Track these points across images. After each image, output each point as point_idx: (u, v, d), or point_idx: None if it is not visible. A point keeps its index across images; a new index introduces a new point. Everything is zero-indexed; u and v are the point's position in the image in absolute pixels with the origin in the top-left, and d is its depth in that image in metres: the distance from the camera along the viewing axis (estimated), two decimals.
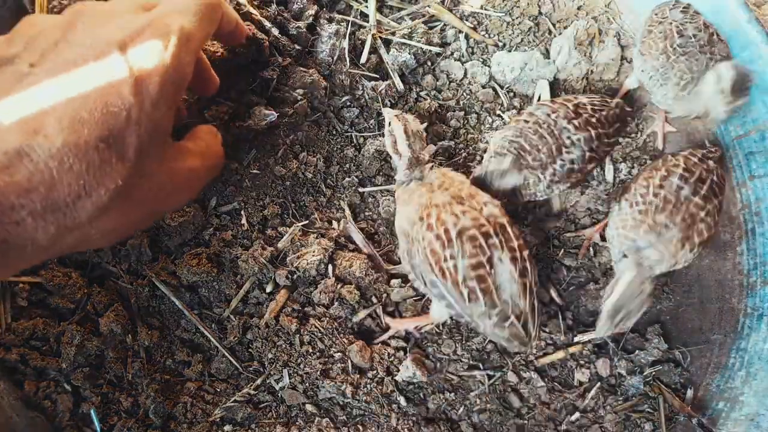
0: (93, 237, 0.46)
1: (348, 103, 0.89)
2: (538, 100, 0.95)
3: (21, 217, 0.40)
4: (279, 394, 0.78)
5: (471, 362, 0.81)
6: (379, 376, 0.78)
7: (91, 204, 0.42)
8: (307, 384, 0.77)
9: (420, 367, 0.77)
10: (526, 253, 0.69)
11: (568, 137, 0.78)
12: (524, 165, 0.77)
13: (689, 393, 0.83)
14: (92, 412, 0.72)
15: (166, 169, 0.50)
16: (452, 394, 0.79)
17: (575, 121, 0.79)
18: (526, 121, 0.80)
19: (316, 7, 0.93)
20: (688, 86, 0.80)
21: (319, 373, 0.77)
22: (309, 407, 0.77)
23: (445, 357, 0.80)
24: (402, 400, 0.77)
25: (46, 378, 0.74)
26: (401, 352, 0.79)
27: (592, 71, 0.97)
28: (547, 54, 0.98)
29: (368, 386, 0.77)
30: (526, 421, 0.80)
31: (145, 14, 0.49)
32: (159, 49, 0.45)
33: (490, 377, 0.80)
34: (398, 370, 0.78)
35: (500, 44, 0.99)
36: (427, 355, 0.80)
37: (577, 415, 0.80)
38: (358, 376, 0.77)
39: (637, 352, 0.83)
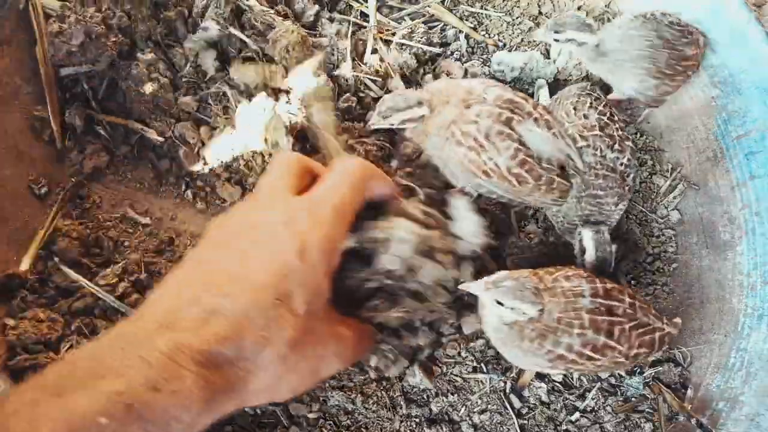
0: (274, 390, 0.53)
1: (353, 104, 0.89)
2: (537, 100, 0.95)
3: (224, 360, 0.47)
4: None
5: (474, 364, 0.81)
6: (387, 383, 0.78)
7: (271, 353, 0.49)
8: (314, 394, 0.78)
9: (428, 374, 0.77)
10: (540, 108, 0.73)
11: (621, 162, 0.78)
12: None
13: (689, 393, 0.83)
14: None
15: (327, 329, 0.56)
16: (454, 396, 0.79)
17: (617, 146, 0.79)
18: (585, 172, 0.78)
19: (317, 6, 0.93)
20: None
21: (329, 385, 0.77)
22: (312, 415, 0.77)
23: (450, 360, 0.80)
24: (406, 404, 0.78)
25: None
26: (421, 372, 0.79)
27: (590, 76, 0.97)
28: (547, 54, 0.98)
29: (377, 394, 0.78)
30: (526, 421, 0.80)
31: (302, 198, 0.58)
32: (316, 223, 0.54)
33: (492, 380, 0.80)
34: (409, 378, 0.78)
35: (500, 44, 0.99)
36: (434, 358, 0.80)
37: (577, 415, 0.80)
38: (374, 385, 0.78)
39: None
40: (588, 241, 0.78)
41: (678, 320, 0.75)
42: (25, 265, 0.77)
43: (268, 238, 0.53)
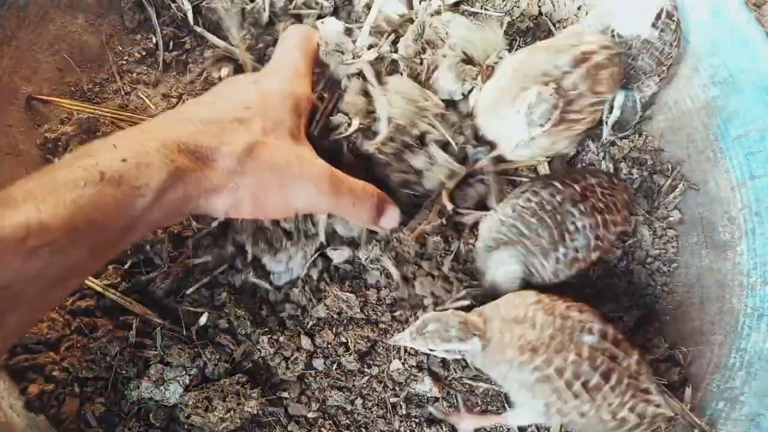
0: (232, 193, 0.60)
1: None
2: None
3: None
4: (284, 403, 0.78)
5: (476, 372, 0.80)
6: (391, 389, 0.78)
7: (228, 152, 0.59)
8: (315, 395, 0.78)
9: (437, 383, 0.77)
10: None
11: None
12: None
13: (688, 393, 0.83)
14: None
15: (291, 150, 0.66)
16: (456, 401, 0.79)
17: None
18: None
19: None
20: None
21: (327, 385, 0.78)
22: (312, 414, 0.77)
23: (454, 366, 0.80)
24: (406, 404, 0.78)
25: (52, 380, 0.74)
26: (416, 369, 0.79)
27: None
28: None
29: (377, 394, 0.78)
30: None
31: (267, 66, 0.77)
32: (278, 79, 0.71)
33: (494, 389, 0.80)
34: (410, 380, 0.78)
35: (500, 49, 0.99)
36: (444, 365, 0.80)
37: None
38: (374, 385, 0.78)
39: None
40: (619, 97, 0.84)
41: (678, 405, 0.74)
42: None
43: (241, 91, 0.68)
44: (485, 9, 1.00)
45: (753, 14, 0.83)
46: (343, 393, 0.78)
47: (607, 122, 0.88)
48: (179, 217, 0.68)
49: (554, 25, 1.00)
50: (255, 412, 0.73)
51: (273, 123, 0.65)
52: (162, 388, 0.73)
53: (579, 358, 0.65)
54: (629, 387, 0.66)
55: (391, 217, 0.75)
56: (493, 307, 0.72)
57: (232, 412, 0.72)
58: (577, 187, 0.74)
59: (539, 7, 1.01)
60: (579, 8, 1.01)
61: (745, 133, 0.85)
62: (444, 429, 0.77)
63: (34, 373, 0.73)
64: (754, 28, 0.82)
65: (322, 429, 0.76)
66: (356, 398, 0.78)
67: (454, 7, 0.99)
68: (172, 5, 0.93)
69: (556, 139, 0.78)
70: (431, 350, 0.68)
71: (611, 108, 0.86)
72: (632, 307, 0.86)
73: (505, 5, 1.01)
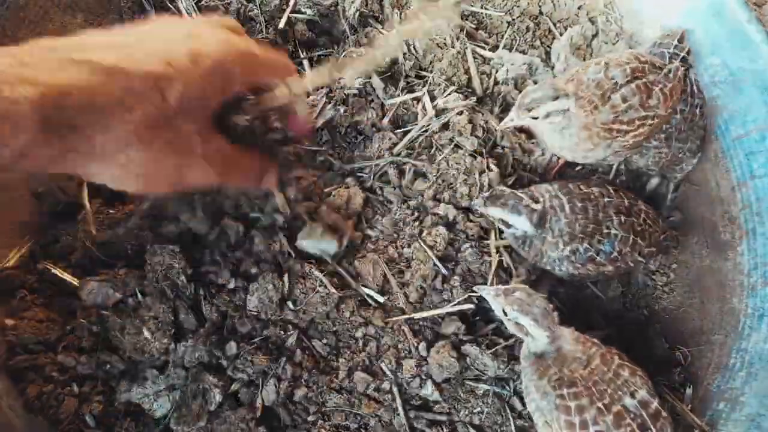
0: (120, 167, 0.52)
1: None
2: None
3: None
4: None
5: (477, 372, 0.80)
6: (393, 395, 0.78)
7: (124, 119, 0.49)
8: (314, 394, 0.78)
9: (438, 387, 0.77)
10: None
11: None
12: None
13: (689, 393, 0.83)
14: None
15: (198, 131, 0.57)
16: (456, 402, 0.79)
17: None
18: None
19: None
20: None
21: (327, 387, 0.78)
22: (311, 418, 0.77)
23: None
24: (405, 404, 0.78)
25: (50, 381, 0.74)
26: (422, 375, 0.79)
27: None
28: (548, 57, 0.98)
29: (377, 394, 0.78)
30: (526, 422, 0.79)
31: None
32: (218, 41, 0.57)
33: (495, 390, 0.80)
34: (411, 382, 0.78)
35: (501, 45, 0.99)
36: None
37: None
38: (374, 385, 0.78)
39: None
40: (655, 178, 0.89)
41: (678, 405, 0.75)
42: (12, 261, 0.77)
43: (171, 36, 0.56)
44: (485, 9, 1.00)
45: (753, 14, 0.83)
46: (344, 394, 0.78)
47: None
48: (55, 170, 0.55)
49: (554, 24, 1.00)
50: None
51: (193, 97, 0.55)
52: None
53: (605, 410, 0.63)
54: None
55: (269, 178, 0.71)
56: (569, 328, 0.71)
57: None
58: (626, 202, 0.78)
59: (539, 6, 1.01)
60: (579, 8, 1.01)
61: (745, 133, 0.85)
62: (444, 429, 0.77)
63: (34, 373, 0.73)
64: (754, 28, 0.82)
65: (323, 429, 0.76)
66: (356, 396, 0.78)
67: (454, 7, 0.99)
68: (171, 5, 0.93)
69: (604, 147, 0.79)
70: (504, 314, 0.69)
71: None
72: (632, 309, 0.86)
73: (505, 5, 1.01)
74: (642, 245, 0.78)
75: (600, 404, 0.64)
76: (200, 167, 0.60)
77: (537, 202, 0.75)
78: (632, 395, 0.65)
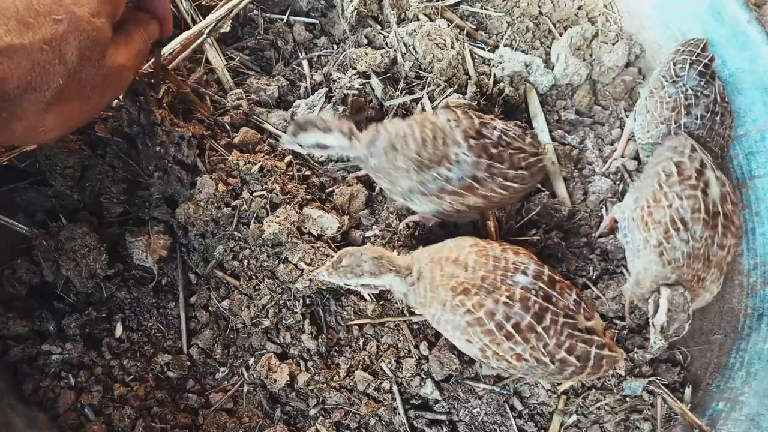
0: (39, 130, 0.53)
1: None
2: (525, 104, 0.96)
3: None
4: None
5: (476, 371, 0.81)
6: (393, 395, 0.78)
7: (36, 98, 0.49)
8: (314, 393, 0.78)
9: (438, 386, 0.78)
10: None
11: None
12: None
13: (688, 393, 0.83)
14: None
15: (104, 71, 0.56)
16: (456, 401, 0.79)
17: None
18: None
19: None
20: None
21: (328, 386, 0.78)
22: (312, 411, 0.77)
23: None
24: (407, 405, 0.78)
25: (47, 374, 0.74)
26: (422, 374, 0.79)
27: (593, 78, 0.97)
28: (548, 58, 0.98)
29: (378, 394, 0.78)
30: (525, 422, 0.80)
31: None
32: None
33: (493, 386, 0.80)
34: (411, 381, 0.78)
35: (501, 45, 0.99)
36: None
37: (575, 417, 0.80)
38: (374, 384, 0.78)
39: (636, 351, 0.83)
40: (663, 299, 0.71)
41: (621, 352, 0.70)
42: None
43: None
44: (485, 9, 1.00)
45: (753, 14, 0.83)
46: (344, 393, 0.78)
47: (653, 324, 0.74)
48: None
49: (554, 25, 1.00)
50: None
51: (91, 41, 0.53)
52: None
53: (510, 300, 0.63)
54: (564, 327, 0.63)
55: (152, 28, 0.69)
56: (424, 248, 0.71)
57: None
58: (476, 122, 0.70)
59: (539, 7, 1.01)
60: (579, 8, 1.01)
61: (745, 133, 0.85)
62: (444, 429, 0.78)
63: (29, 367, 0.73)
64: (754, 28, 0.82)
65: (322, 428, 0.76)
66: (356, 396, 0.78)
67: (454, 8, 0.99)
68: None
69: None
70: (346, 285, 0.67)
71: (656, 307, 0.72)
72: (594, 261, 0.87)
73: (505, 5, 1.01)
74: (503, 169, 0.70)
75: (497, 295, 0.63)
76: (110, 95, 0.61)
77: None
78: (524, 272, 0.65)
